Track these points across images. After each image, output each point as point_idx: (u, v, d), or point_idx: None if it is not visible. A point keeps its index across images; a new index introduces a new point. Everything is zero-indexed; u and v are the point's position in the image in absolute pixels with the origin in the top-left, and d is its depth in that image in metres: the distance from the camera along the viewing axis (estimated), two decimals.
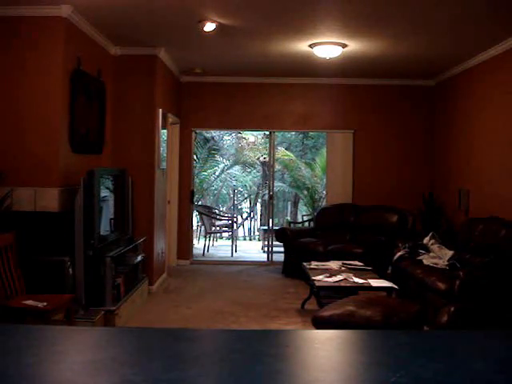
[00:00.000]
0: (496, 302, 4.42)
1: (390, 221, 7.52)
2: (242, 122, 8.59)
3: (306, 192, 12.48)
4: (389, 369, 1.15)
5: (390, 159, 8.27)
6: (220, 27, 5.33)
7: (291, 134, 13.28)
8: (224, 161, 13.58)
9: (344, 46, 6.08)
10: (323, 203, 10.82)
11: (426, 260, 5.77)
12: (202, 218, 10.68)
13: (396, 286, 5.12)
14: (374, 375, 1.14)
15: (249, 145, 13.90)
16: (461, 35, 5.64)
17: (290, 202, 14.75)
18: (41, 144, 4.82)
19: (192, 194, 8.52)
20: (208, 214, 11.00)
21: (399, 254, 6.15)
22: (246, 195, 14.86)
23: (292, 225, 11.25)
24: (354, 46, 6.12)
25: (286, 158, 12.65)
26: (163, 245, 7.09)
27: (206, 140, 12.99)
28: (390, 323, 3.75)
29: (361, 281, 5.11)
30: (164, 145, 6.97)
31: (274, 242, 8.65)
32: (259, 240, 12.79)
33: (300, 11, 4.96)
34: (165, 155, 7.03)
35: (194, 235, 10.55)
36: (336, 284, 5.10)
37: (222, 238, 12.31)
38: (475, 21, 5.09)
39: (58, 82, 4.86)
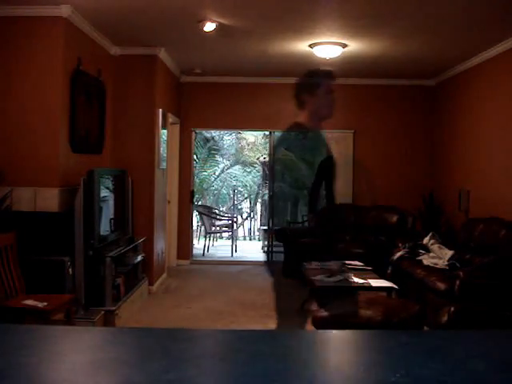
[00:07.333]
0: (496, 301, 4.42)
1: (390, 221, 7.52)
2: (242, 122, 8.59)
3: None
4: (389, 369, 1.15)
5: (390, 159, 8.27)
6: (220, 27, 5.33)
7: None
8: (224, 161, 13.56)
9: (344, 45, 6.08)
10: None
11: (426, 260, 5.77)
12: (202, 218, 10.68)
13: (396, 286, 5.12)
14: (374, 375, 1.14)
15: (249, 145, 13.89)
16: (461, 35, 5.63)
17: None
18: (41, 144, 4.82)
19: (192, 194, 8.52)
20: (208, 214, 10.99)
21: (399, 254, 6.14)
22: (246, 195, 14.85)
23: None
24: (354, 45, 6.12)
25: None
26: (163, 245, 7.09)
27: (206, 140, 12.98)
28: (390, 323, 3.75)
29: (361, 281, 5.10)
30: (164, 145, 6.96)
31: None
32: (259, 240, 12.78)
33: (300, 11, 4.96)
34: (165, 155, 7.02)
35: (194, 235, 10.54)
36: (336, 284, 5.10)
37: (221, 237, 12.29)
38: (475, 21, 5.09)
39: (58, 82, 4.86)
